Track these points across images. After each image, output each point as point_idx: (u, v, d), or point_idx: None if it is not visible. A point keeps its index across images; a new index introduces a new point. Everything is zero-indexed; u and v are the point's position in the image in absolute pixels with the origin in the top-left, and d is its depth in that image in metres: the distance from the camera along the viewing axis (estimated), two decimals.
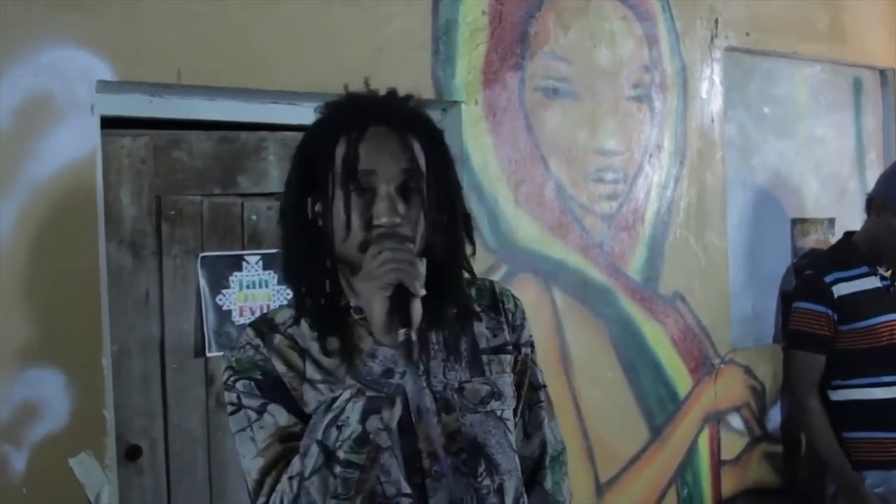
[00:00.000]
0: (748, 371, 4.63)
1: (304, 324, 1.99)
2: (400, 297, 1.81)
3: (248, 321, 3.29)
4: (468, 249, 2.06)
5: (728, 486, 4.53)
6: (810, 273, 4.25)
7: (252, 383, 1.94)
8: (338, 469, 1.80)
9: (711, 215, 4.47)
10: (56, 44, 2.92)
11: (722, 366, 4.49)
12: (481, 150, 3.71)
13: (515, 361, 2.13)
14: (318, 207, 1.96)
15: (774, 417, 4.73)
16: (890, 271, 4.22)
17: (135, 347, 3.19)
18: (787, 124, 4.95)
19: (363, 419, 1.80)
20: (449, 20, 3.65)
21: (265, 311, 3.33)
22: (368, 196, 1.92)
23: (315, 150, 1.98)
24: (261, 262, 3.41)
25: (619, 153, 4.17)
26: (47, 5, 2.89)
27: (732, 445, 4.55)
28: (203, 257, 3.30)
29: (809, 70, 5.05)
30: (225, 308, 3.34)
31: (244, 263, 3.39)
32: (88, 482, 2.92)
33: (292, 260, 2.00)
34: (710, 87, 4.50)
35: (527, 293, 3.71)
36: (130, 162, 3.19)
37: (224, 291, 3.34)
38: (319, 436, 1.81)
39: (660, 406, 4.27)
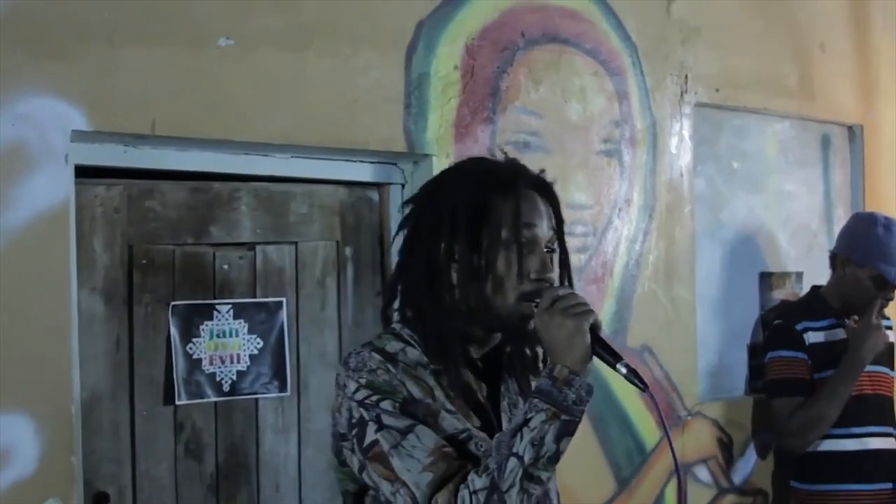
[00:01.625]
0: (715, 423, 4.66)
1: (412, 354, 2.16)
2: (593, 334, 2.06)
3: (217, 369, 3.35)
4: None
5: None
6: (780, 322, 4.39)
7: (396, 404, 2.07)
8: (529, 485, 1.98)
9: (680, 269, 4.52)
10: (32, 93, 2.96)
11: (689, 418, 4.53)
12: None
13: None
14: (457, 256, 2.15)
15: (742, 469, 4.76)
16: None
17: (105, 394, 3.21)
18: (757, 179, 5.02)
19: (558, 440, 1.98)
20: (421, 74, 3.70)
21: (236, 360, 3.48)
22: (522, 251, 2.14)
23: (459, 203, 2.16)
24: (231, 311, 3.45)
25: (589, 207, 4.23)
26: (24, 54, 2.94)
27: (699, 498, 4.57)
28: (174, 306, 3.33)
29: (779, 126, 5.12)
30: (195, 356, 3.37)
31: (215, 312, 3.42)
32: None
33: (423, 305, 2.19)
34: (680, 141, 4.56)
35: None
36: (104, 211, 3.23)
37: (194, 340, 3.37)
38: (521, 452, 1.97)
39: (627, 458, 4.30)
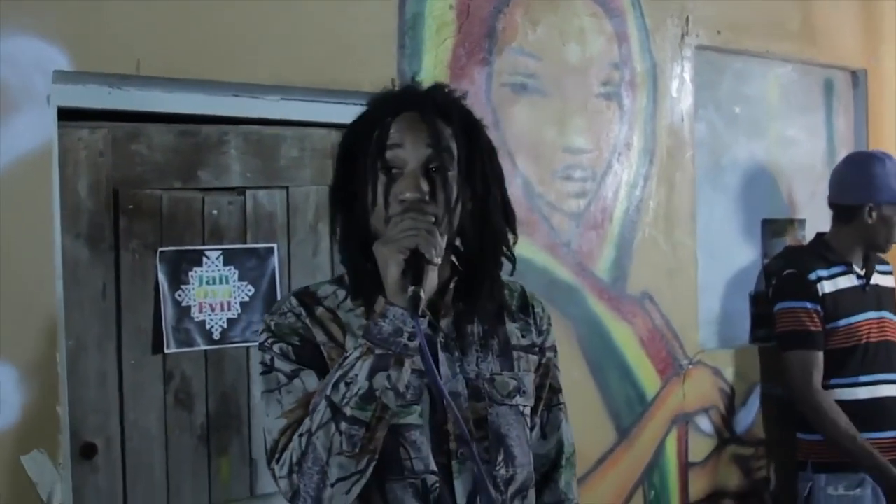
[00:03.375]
0: (717, 373, 4.62)
1: (341, 297, 2.11)
2: (415, 263, 1.91)
3: (207, 317, 3.29)
4: (510, 239, 2.15)
5: (696, 489, 4.51)
6: (792, 272, 4.34)
7: (290, 348, 2.03)
8: (343, 425, 1.88)
9: (681, 215, 4.46)
10: (11, 32, 2.87)
11: (690, 367, 4.48)
12: None
13: (539, 364, 2.26)
14: (353, 187, 2.08)
15: (743, 419, 4.72)
16: (864, 269, 4.32)
17: (91, 343, 3.14)
18: (758, 124, 4.95)
19: (370, 376, 1.88)
20: (416, 14, 3.62)
21: (226, 307, 3.41)
22: (396, 175, 2.03)
23: (354, 137, 2.10)
24: (221, 258, 3.37)
25: (588, 151, 4.15)
26: None
27: (700, 448, 4.54)
28: (162, 252, 3.26)
29: (781, 70, 5.05)
30: (184, 304, 3.30)
31: (204, 259, 3.35)
32: (41, 481, 2.89)
33: (340, 239, 2.13)
34: (681, 85, 4.48)
35: None
36: (88, 154, 3.14)
37: (183, 287, 3.30)
38: (329, 392, 1.89)
39: (627, 407, 4.26)
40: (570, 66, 4.10)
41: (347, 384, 1.88)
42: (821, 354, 4.23)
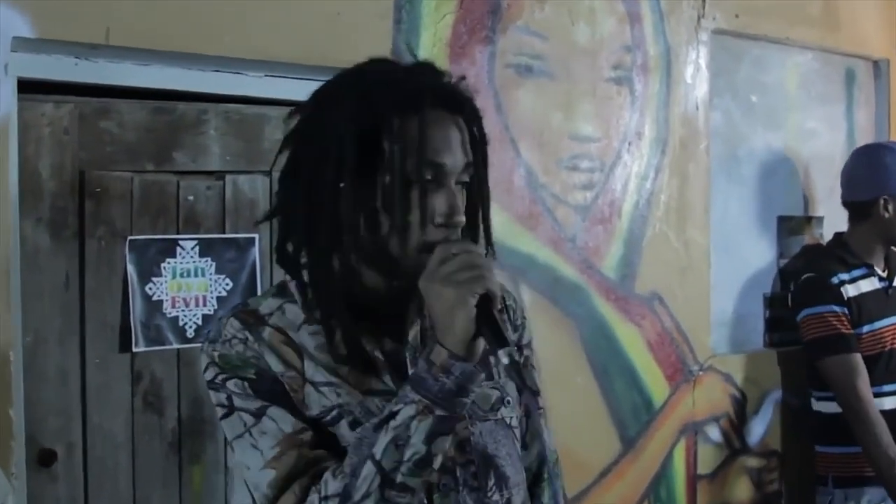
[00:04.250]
0: (728, 379, 4.45)
1: (290, 313, 1.82)
2: (485, 309, 1.70)
3: (180, 313, 3.11)
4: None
5: (704, 502, 4.35)
6: (813, 276, 4.20)
7: (245, 383, 1.76)
8: (391, 493, 1.67)
9: (694, 210, 4.30)
10: None
11: (701, 373, 4.31)
12: None
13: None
14: (345, 193, 1.76)
15: (755, 429, 4.55)
16: (887, 271, 4.24)
17: (51, 339, 2.96)
18: (776, 115, 4.78)
19: (429, 440, 1.68)
20: None
21: (201, 302, 3.21)
22: (426, 191, 1.77)
23: (355, 123, 1.76)
24: (197, 248, 3.19)
25: (596, 139, 3.99)
26: None
27: (710, 459, 4.37)
28: (132, 241, 3.08)
29: (801, 58, 4.88)
30: (155, 298, 3.12)
31: (178, 249, 3.17)
32: None
33: (311, 249, 1.81)
34: (696, 71, 4.31)
35: None
36: (52, 131, 2.96)
37: (154, 280, 3.12)
38: (379, 455, 1.67)
39: (633, 415, 4.09)
40: (579, 47, 3.92)
41: (398, 446, 1.66)
42: (859, 357, 4.06)
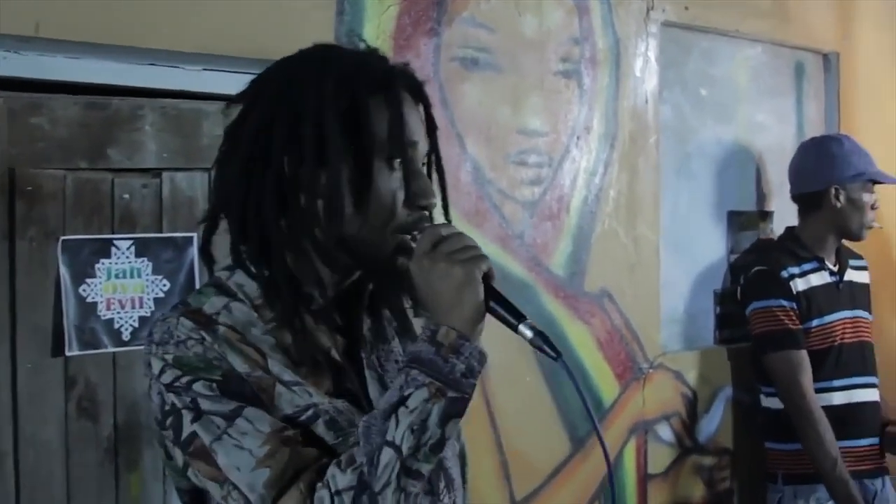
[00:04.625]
0: (679, 377, 4.44)
1: (238, 311, 1.76)
2: (488, 287, 1.73)
3: (116, 315, 3.03)
4: None
5: (655, 502, 4.33)
6: (762, 269, 4.20)
7: (213, 384, 1.68)
8: (407, 482, 1.64)
9: (643, 205, 4.27)
10: None
11: (651, 371, 4.28)
12: None
13: None
14: (323, 179, 1.75)
15: (706, 427, 4.54)
16: (837, 266, 4.25)
17: None
18: (726, 108, 4.78)
19: (443, 423, 1.64)
20: None
21: (137, 304, 3.11)
22: (408, 172, 1.79)
23: (333, 107, 1.75)
24: (133, 248, 3.10)
25: (544, 134, 3.94)
26: None
27: (660, 458, 4.35)
28: (65, 241, 2.98)
29: (750, 51, 4.89)
30: (89, 300, 3.02)
31: (113, 249, 3.07)
32: None
33: (272, 236, 1.77)
34: (645, 64, 4.28)
35: None
36: None
37: (88, 281, 3.02)
38: (399, 440, 1.62)
39: (583, 415, 4.02)
40: (526, 39, 3.87)
41: (413, 431, 1.62)
42: (805, 353, 4.08)
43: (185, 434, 1.69)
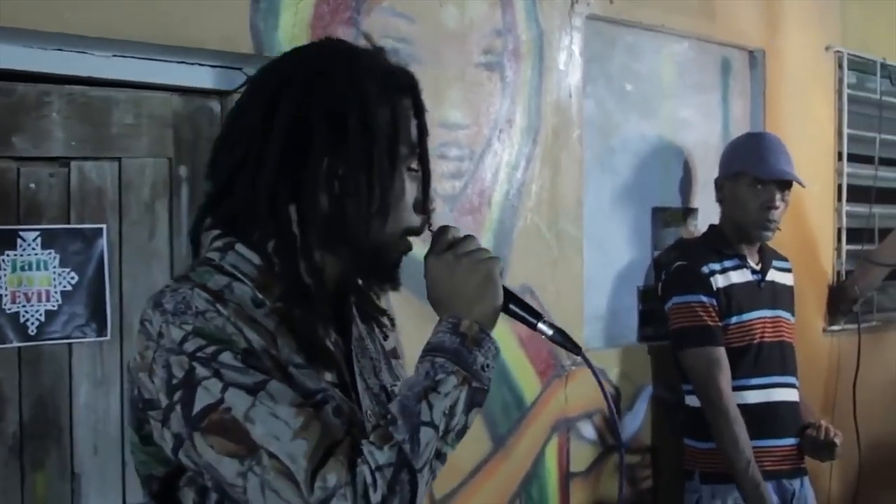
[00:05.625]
0: (602, 374, 4.37)
1: (240, 291, 1.79)
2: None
3: (21, 309, 2.97)
4: None
5: (577, 501, 4.32)
6: (683, 264, 4.21)
7: (239, 357, 1.69)
8: (436, 463, 1.74)
9: (566, 201, 4.25)
10: None
11: (573, 368, 4.26)
12: None
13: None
14: (362, 180, 1.81)
15: (629, 425, 4.54)
16: (760, 265, 4.25)
17: None
18: (651, 104, 4.77)
19: (468, 410, 1.76)
20: None
21: (44, 297, 3.05)
22: (427, 176, 1.92)
23: (370, 99, 1.83)
24: (39, 240, 3.04)
25: (465, 127, 3.91)
26: None
27: (583, 456, 4.34)
28: None
29: (676, 46, 4.89)
30: None
31: (19, 241, 3.01)
32: None
33: (287, 230, 1.84)
34: (569, 58, 4.26)
35: None
36: None
37: None
38: (438, 421, 1.71)
39: (504, 413, 4.03)
40: (448, 30, 3.85)
41: (445, 415, 1.72)
42: (723, 351, 4.09)
43: (197, 408, 1.67)
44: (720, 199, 4.39)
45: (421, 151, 1.91)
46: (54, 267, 3.07)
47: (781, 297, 4.36)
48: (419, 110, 1.90)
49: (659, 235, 4.77)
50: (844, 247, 5.56)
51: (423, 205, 1.91)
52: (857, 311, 5.36)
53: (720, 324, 4.12)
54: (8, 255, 2.99)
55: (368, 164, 1.80)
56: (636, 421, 4.56)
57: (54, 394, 3.06)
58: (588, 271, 4.38)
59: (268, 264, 1.83)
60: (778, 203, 4.21)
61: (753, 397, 4.14)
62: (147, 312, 1.75)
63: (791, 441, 4.24)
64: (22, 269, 3.01)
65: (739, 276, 4.21)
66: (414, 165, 1.88)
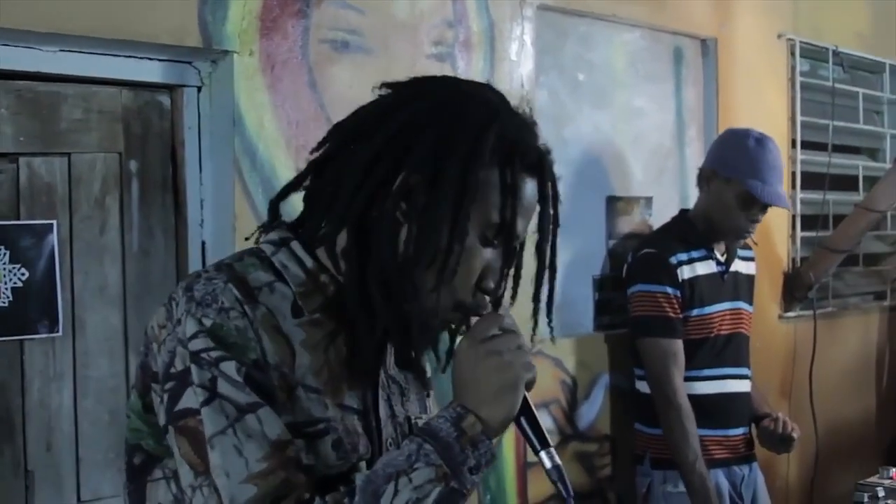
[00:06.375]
0: (558, 363, 4.44)
1: (279, 294, 1.73)
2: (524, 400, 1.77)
3: None
4: None
5: (535, 491, 4.33)
6: (651, 252, 4.19)
7: (243, 369, 1.64)
8: None
9: None
10: None
11: (531, 356, 4.25)
12: (256, 108, 3.37)
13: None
14: (438, 223, 1.72)
15: (586, 414, 4.55)
16: (725, 256, 4.24)
17: None
18: (604, 94, 4.78)
19: None
20: None
21: None
22: (510, 255, 1.83)
23: (474, 156, 1.74)
24: None
25: None
26: None
27: None
28: None
29: (628, 35, 4.90)
30: None
31: None
32: None
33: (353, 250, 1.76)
34: (521, 48, 4.27)
35: None
36: None
37: None
38: None
39: None
40: (399, 22, 3.84)
41: None
42: (680, 344, 4.10)
43: (180, 406, 1.65)
44: (701, 188, 4.30)
45: (510, 233, 1.80)
46: (4, 263, 3.06)
47: (742, 288, 4.37)
48: (543, 198, 1.84)
49: (613, 225, 4.77)
50: (799, 234, 5.61)
51: (492, 288, 1.81)
52: (812, 297, 5.42)
53: (681, 316, 4.13)
54: None
55: (455, 209, 1.71)
56: (593, 409, 4.58)
57: (6, 391, 3.05)
58: None
59: (319, 269, 1.78)
60: (762, 219, 4.24)
61: (706, 388, 4.18)
62: (177, 292, 1.71)
63: (741, 431, 4.29)
64: None
65: (705, 268, 4.20)
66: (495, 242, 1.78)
